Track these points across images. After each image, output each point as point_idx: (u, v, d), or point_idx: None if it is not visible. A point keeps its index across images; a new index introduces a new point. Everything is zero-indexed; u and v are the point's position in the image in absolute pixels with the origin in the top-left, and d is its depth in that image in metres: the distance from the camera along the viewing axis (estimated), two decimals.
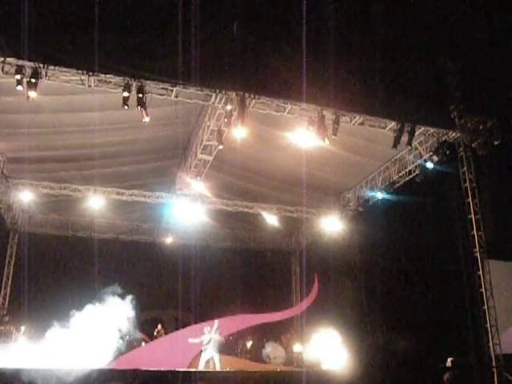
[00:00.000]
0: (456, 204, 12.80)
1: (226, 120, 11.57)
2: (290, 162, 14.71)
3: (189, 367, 12.63)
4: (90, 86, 10.49)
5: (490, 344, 11.61)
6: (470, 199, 12.53)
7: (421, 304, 15.30)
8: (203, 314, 16.88)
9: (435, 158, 13.01)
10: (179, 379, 10.89)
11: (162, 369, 11.35)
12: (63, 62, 9.93)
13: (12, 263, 18.64)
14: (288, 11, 12.14)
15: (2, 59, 9.69)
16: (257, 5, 12.52)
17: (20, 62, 9.73)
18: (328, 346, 14.38)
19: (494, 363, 11.47)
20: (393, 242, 15.76)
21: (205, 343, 12.74)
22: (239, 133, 11.53)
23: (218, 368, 12.51)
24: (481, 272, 12.07)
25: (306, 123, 11.96)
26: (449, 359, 13.43)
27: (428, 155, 13.34)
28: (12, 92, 10.25)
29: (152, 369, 11.20)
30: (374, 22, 12.80)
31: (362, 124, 12.32)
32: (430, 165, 13.28)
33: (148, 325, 16.00)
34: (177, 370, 11.52)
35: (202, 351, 12.77)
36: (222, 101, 11.36)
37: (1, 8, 9.43)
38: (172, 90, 10.94)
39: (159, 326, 15.83)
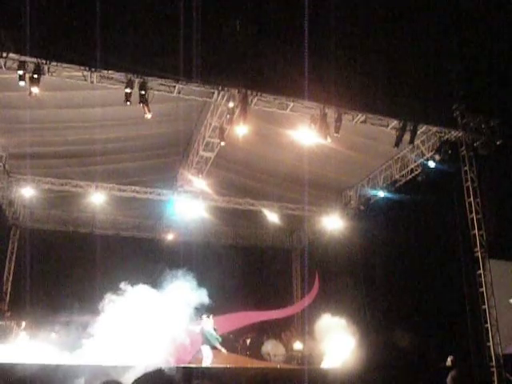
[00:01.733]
0: (457, 203, 12.78)
1: (228, 117, 11.54)
2: (292, 159, 14.69)
3: (190, 363, 12.63)
4: (92, 82, 10.47)
5: (491, 343, 11.62)
6: (471, 198, 12.53)
7: (421, 303, 15.29)
8: (204, 311, 16.87)
9: (437, 157, 13.00)
10: (180, 375, 10.87)
11: (162, 366, 11.32)
12: (65, 58, 9.89)
13: (13, 259, 18.67)
14: (291, 8, 12.11)
15: (5, 54, 9.66)
16: (259, 2, 12.50)
17: (22, 58, 9.70)
18: (329, 344, 14.41)
19: (494, 363, 11.48)
20: (394, 241, 15.73)
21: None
22: (241, 130, 11.51)
23: (205, 361, 12.29)
24: (481, 271, 12.08)
25: (308, 121, 11.95)
26: (449, 358, 13.46)
27: (430, 154, 13.33)
28: (14, 87, 10.23)
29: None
30: (377, 21, 12.76)
31: (364, 122, 12.30)
32: (431, 164, 13.27)
33: None
34: (177, 366, 11.51)
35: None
36: (225, 98, 11.34)
37: (3, 4, 9.44)
38: (174, 87, 10.92)
39: None
